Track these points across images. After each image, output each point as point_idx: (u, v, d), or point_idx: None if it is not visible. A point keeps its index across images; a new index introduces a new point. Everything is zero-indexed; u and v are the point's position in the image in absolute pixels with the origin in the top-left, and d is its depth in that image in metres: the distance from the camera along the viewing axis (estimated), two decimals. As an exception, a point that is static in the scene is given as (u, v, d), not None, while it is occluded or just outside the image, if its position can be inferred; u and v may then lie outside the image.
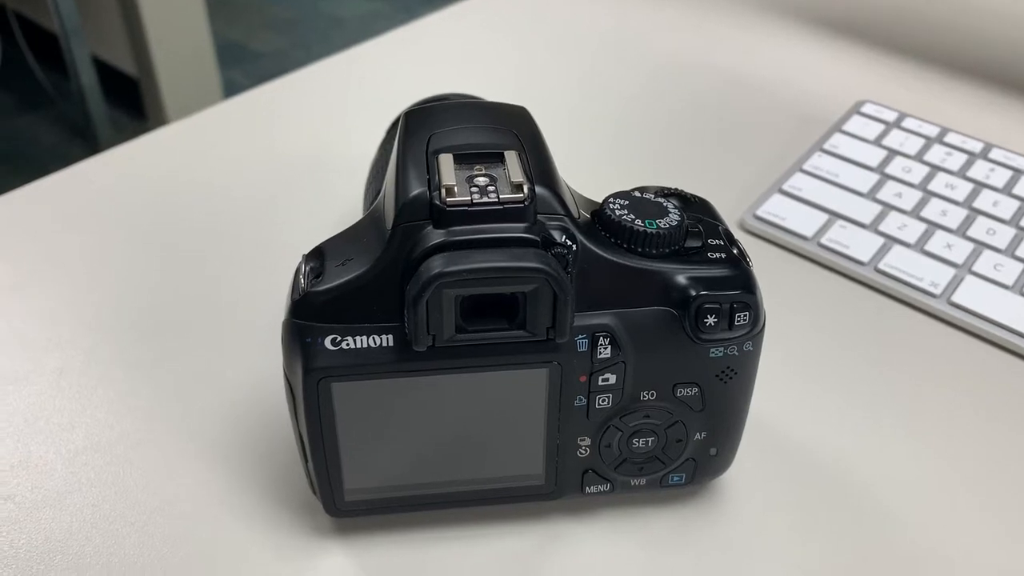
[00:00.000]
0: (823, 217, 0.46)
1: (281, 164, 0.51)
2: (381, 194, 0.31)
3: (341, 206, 0.47)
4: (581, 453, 0.32)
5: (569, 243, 0.28)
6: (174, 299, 0.42)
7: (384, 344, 0.28)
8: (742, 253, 0.30)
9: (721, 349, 0.30)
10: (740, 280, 0.29)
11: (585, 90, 0.57)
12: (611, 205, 0.30)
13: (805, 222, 0.46)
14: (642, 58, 0.60)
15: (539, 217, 0.28)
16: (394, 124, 0.41)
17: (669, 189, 0.32)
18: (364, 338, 0.28)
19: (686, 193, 0.32)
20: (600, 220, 0.29)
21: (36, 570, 0.32)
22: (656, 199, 0.31)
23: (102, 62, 1.74)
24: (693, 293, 0.29)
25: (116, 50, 1.73)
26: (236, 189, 0.49)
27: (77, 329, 0.41)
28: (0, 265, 0.44)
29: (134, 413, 0.37)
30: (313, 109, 0.55)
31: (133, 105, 1.80)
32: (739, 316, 0.29)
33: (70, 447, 0.36)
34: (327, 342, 0.28)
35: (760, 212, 0.47)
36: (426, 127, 0.30)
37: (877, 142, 0.51)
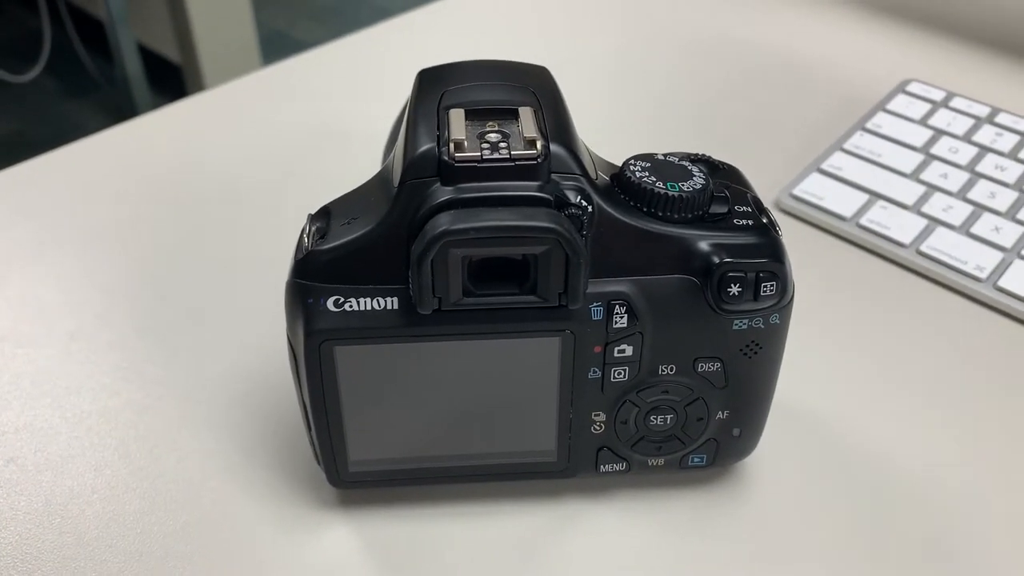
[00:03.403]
0: (863, 197, 0.44)
1: (304, 134, 0.50)
2: (391, 153, 0.29)
3: (366, 176, 0.46)
4: (596, 429, 0.30)
5: (584, 204, 0.26)
6: (189, 266, 0.42)
7: (389, 307, 0.27)
8: (772, 222, 0.29)
9: (745, 321, 0.28)
10: (767, 248, 0.28)
11: (623, 64, 0.56)
12: (631, 167, 0.28)
13: (844, 202, 0.44)
14: (682, 34, 0.58)
15: (553, 176, 0.26)
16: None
17: (697, 155, 0.30)
18: (368, 300, 0.27)
19: (715, 159, 0.31)
20: (619, 182, 0.28)
21: (35, 533, 0.31)
22: (681, 163, 0.29)
23: (147, 49, 1.76)
24: (716, 260, 0.27)
25: (161, 38, 1.75)
26: (254, 161, 0.48)
27: (91, 295, 0.40)
28: (21, 229, 0.44)
29: (142, 379, 0.36)
30: (341, 81, 0.54)
31: (177, 92, 1.81)
32: (765, 286, 0.27)
33: (75, 411, 0.35)
34: (329, 303, 0.27)
35: (797, 191, 0.45)
36: (439, 84, 0.29)
37: (923, 122, 0.48)
